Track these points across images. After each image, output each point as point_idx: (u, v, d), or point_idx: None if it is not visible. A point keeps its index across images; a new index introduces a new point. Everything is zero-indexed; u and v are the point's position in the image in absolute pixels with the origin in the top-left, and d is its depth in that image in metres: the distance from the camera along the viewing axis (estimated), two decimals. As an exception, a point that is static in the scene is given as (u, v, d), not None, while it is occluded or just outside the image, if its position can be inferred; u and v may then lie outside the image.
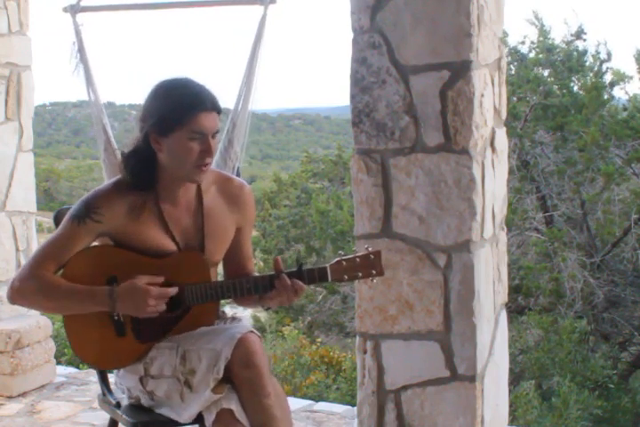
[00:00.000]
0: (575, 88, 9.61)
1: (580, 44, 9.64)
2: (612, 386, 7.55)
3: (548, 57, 9.61)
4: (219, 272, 2.55)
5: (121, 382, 2.43)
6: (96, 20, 4.34)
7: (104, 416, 2.76)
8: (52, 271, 2.23)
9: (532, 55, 9.82)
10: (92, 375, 4.24)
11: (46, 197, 27.24)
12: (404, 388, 2.58)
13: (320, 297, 10.29)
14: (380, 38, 2.50)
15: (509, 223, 8.02)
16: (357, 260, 2.28)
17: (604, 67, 9.53)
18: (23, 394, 3.96)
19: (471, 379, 2.51)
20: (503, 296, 2.91)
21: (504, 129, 2.88)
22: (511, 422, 5.69)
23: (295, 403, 3.82)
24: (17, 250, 4.14)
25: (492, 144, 2.66)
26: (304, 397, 6.29)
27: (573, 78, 9.58)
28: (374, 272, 2.29)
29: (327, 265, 2.29)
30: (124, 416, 2.36)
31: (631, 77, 9.42)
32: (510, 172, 4.66)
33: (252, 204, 2.48)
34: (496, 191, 2.70)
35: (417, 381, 2.57)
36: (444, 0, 2.41)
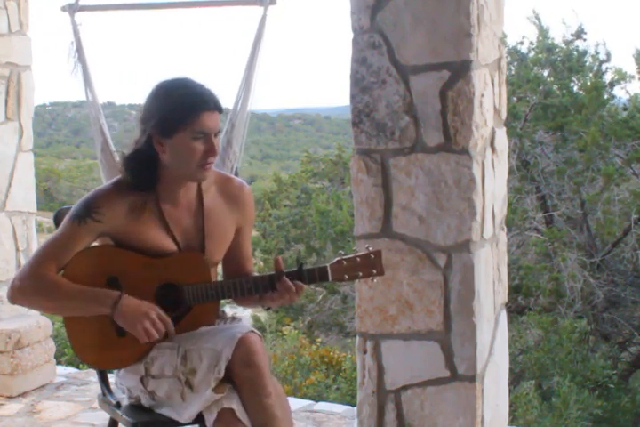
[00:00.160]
0: (575, 88, 9.61)
1: (580, 44, 9.65)
2: (612, 386, 7.55)
3: (548, 57, 9.61)
4: (218, 272, 2.56)
5: (121, 383, 2.42)
6: (94, 19, 4.35)
7: (104, 416, 2.75)
8: (53, 271, 2.23)
9: (531, 55, 9.82)
10: (92, 375, 4.24)
11: (46, 197, 27.24)
12: (404, 388, 2.58)
13: (320, 297, 10.30)
14: (379, 38, 2.50)
15: (509, 223, 8.02)
16: (358, 259, 2.29)
17: (604, 67, 9.54)
18: (23, 394, 3.96)
19: (471, 379, 2.51)
20: (503, 296, 2.91)
21: (504, 129, 2.88)
22: (511, 422, 5.70)
23: (295, 403, 3.82)
24: (17, 250, 4.14)
25: (492, 144, 2.66)
26: (304, 397, 6.29)
27: (573, 78, 9.58)
28: (375, 272, 2.30)
29: (328, 265, 2.29)
30: (123, 416, 2.36)
31: (633, 77, 9.42)
32: (510, 172, 4.66)
33: (251, 204, 2.49)
34: (496, 191, 2.70)
35: (417, 381, 2.57)
36: (444, 0, 2.41)
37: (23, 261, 4.13)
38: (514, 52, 9.72)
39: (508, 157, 3.01)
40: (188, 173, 2.27)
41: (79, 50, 4.18)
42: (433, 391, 2.55)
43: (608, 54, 9.50)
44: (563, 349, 7.51)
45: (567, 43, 9.72)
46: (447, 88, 2.44)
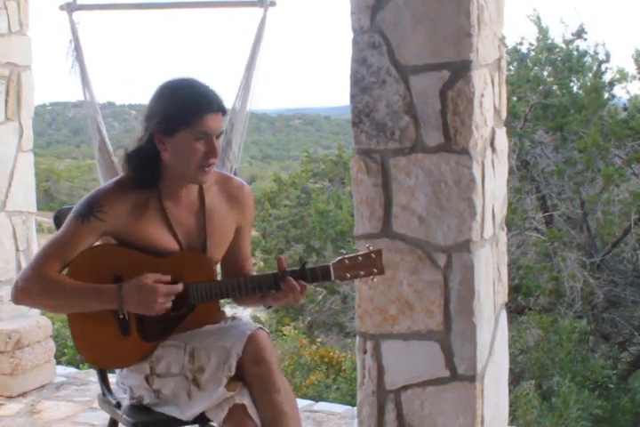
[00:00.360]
0: (575, 88, 9.61)
1: (580, 44, 9.65)
2: (611, 386, 7.55)
3: (548, 56, 9.61)
4: (217, 272, 2.56)
5: (123, 382, 2.42)
6: (93, 18, 4.34)
7: (104, 416, 2.76)
8: (56, 271, 2.23)
9: (531, 55, 9.82)
10: (92, 375, 4.24)
11: (46, 197, 27.24)
12: (404, 388, 2.58)
13: (320, 297, 10.29)
14: (379, 38, 2.50)
15: (509, 223, 8.02)
16: (359, 258, 2.30)
17: (603, 67, 9.53)
18: (23, 394, 3.96)
19: (471, 379, 2.51)
20: (503, 296, 2.91)
21: (504, 129, 2.88)
22: (511, 422, 5.70)
23: (295, 403, 3.82)
24: (17, 250, 4.14)
25: (492, 144, 2.66)
26: (304, 397, 6.29)
27: (573, 78, 9.58)
28: (375, 271, 2.31)
29: (330, 263, 2.31)
30: (124, 416, 2.36)
31: (634, 77, 9.42)
32: (510, 172, 4.66)
33: (251, 204, 2.50)
34: (496, 191, 2.70)
35: (417, 381, 2.57)
36: (444, 0, 2.41)
37: (23, 261, 4.13)
38: (514, 52, 9.72)
39: (508, 157, 3.01)
40: (189, 173, 2.27)
41: (77, 49, 4.18)
42: (433, 391, 2.55)
43: (607, 54, 9.51)
44: (563, 349, 7.51)
45: (567, 42, 9.72)
46: (447, 88, 2.44)
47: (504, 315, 2.93)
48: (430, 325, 2.54)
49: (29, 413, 3.73)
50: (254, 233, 12.39)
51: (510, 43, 9.80)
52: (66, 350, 7.77)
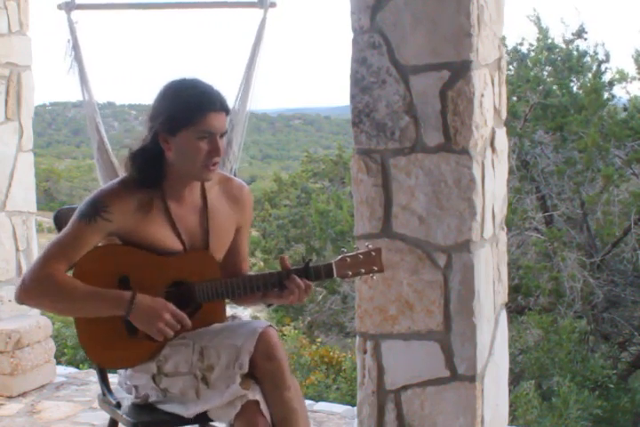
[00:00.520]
0: (575, 88, 9.60)
1: (580, 44, 9.64)
2: (611, 386, 7.55)
3: (548, 56, 9.61)
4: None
5: (127, 382, 2.42)
6: (92, 18, 4.35)
7: (104, 416, 2.75)
8: (62, 271, 2.22)
9: (531, 55, 9.81)
10: (92, 375, 4.24)
11: (46, 197, 27.23)
12: (404, 388, 2.58)
13: (320, 297, 10.29)
14: (379, 38, 2.50)
15: (509, 223, 8.02)
16: (360, 256, 2.34)
17: (603, 67, 9.53)
18: (23, 394, 3.96)
19: (471, 379, 2.51)
20: (503, 296, 2.91)
21: (504, 129, 2.88)
22: (511, 422, 5.70)
23: (295, 403, 3.82)
24: (17, 250, 4.14)
25: (492, 144, 2.66)
26: (304, 397, 6.27)
27: (573, 78, 9.57)
28: (375, 268, 2.36)
29: (333, 262, 2.34)
30: (124, 416, 2.36)
31: (634, 78, 9.42)
32: (510, 172, 4.66)
33: (251, 205, 2.52)
34: (496, 191, 2.70)
35: (417, 381, 2.57)
36: (444, 0, 2.41)
37: (23, 261, 4.13)
38: (514, 52, 9.71)
39: (508, 157, 3.01)
40: (193, 172, 2.28)
41: (75, 48, 4.18)
42: (433, 391, 2.55)
43: (607, 55, 9.50)
44: (562, 349, 7.51)
45: (567, 42, 9.71)
46: (447, 88, 2.44)
47: (504, 315, 2.93)
48: (430, 325, 2.54)
49: (29, 413, 3.73)
50: (254, 233, 12.39)
51: (510, 43, 9.81)
52: (66, 350, 7.76)
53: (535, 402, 6.86)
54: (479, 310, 2.51)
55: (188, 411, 2.27)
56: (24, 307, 4.08)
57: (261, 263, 11.75)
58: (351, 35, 2.54)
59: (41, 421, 3.64)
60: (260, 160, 38.35)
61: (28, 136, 4.21)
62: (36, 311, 4.19)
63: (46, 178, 28.61)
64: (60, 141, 41.27)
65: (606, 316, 8.61)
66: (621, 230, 8.65)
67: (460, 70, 2.42)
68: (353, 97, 2.55)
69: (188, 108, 2.22)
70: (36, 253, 4.22)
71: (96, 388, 3.78)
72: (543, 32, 9.74)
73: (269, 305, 2.48)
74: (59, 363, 4.85)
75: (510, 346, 4.36)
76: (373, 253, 2.35)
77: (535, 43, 9.83)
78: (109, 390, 2.54)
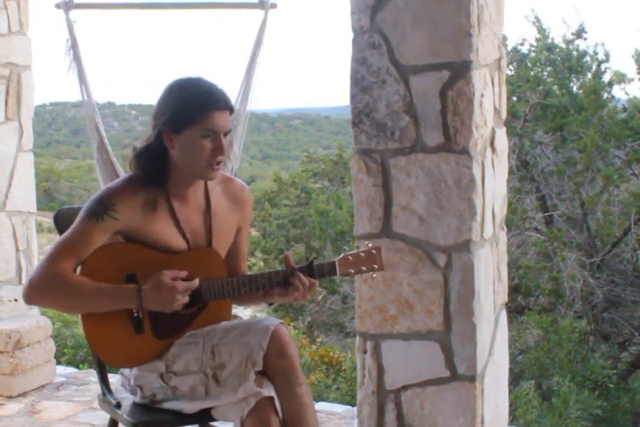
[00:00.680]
0: (574, 88, 9.60)
1: (580, 44, 9.64)
2: (611, 386, 7.54)
3: (548, 56, 9.60)
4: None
5: (131, 382, 2.42)
6: (91, 17, 4.35)
7: (104, 416, 2.76)
8: (70, 270, 2.22)
9: (531, 55, 9.81)
10: (92, 375, 4.24)
11: (46, 197, 27.23)
12: (404, 388, 2.58)
13: (320, 297, 10.29)
14: (379, 38, 2.50)
15: (509, 223, 8.01)
16: (362, 255, 2.38)
17: (603, 67, 9.52)
18: (23, 394, 3.96)
19: (471, 379, 2.51)
20: (503, 296, 2.91)
21: (504, 129, 2.88)
22: (511, 422, 5.69)
23: (295, 403, 3.81)
24: (17, 250, 4.14)
25: (492, 144, 2.66)
26: (304, 397, 6.27)
27: (573, 78, 9.57)
28: (376, 267, 2.40)
29: (336, 260, 2.37)
30: (124, 416, 2.36)
31: (632, 79, 9.42)
32: (510, 172, 4.66)
33: (251, 205, 2.55)
34: (496, 191, 2.70)
35: (417, 381, 2.57)
36: (444, 0, 2.41)
37: (23, 261, 4.13)
38: (514, 52, 9.71)
39: (508, 157, 3.01)
40: (197, 171, 2.29)
41: (74, 48, 4.18)
42: (433, 391, 2.55)
43: (607, 55, 9.49)
44: (562, 349, 7.50)
45: (567, 42, 9.71)
46: (447, 88, 2.44)
47: (504, 315, 2.93)
48: (430, 325, 2.54)
49: (29, 413, 3.73)
50: (254, 233, 12.39)
51: (511, 43, 9.80)
52: (66, 350, 7.76)
53: (535, 402, 6.86)
54: (479, 310, 2.51)
55: (194, 407, 2.28)
56: (24, 307, 4.09)
57: (261, 263, 11.75)
58: (351, 35, 2.54)
59: (41, 421, 3.64)
60: (260, 160, 38.35)
61: (27, 136, 4.22)
62: (35, 311, 4.19)
63: (46, 178, 28.62)
64: (60, 141, 41.27)
65: (606, 316, 8.60)
66: (621, 230, 8.65)
67: (460, 70, 2.42)
68: (353, 97, 2.55)
69: (192, 106, 2.24)
70: (36, 254, 4.22)
71: (96, 388, 3.78)
72: (542, 32, 9.73)
73: (271, 304, 2.50)
74: (59, 363, 4.85)
75: (510, 346, 4.36)
76: (374, 252, 2.39)
77: (535, 43, 9.83)
78: (109, 390, 2.54)
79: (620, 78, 9.42)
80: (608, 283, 8.49)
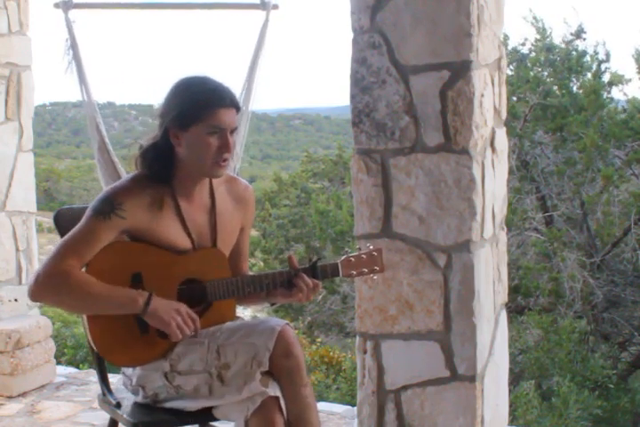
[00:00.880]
0: (574, 88, 9.59)
1: (579, 44, 9.63)
2: (611, 386, 7.54)
3: (548, 57, 9.60)
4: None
5: (133, 382, 2.41)
6: (91, 17, 4.35)
7: (104, 416, 2.75)
8: (77, 268, 2.21)
9: (531, 55, 9.80)
10: (91, 375, 4.24)
11: (46, 197, 27.23)
12: (404, 388, 2.58)
13: (320, 297, 10.29)
14: (379, 38, 2.50)
15: (509, 223, 8.01)
16: (363, 256, 2.39)
17: (603, 67, 9.52)
18: (23, 394, 3.96)
19: (471, 379, 2.51)
20: (503, 296, 2.91)
21: (504, 129, 2.88)
22: (511, 422, 5.69)
23: (295, 403, 3.81)
24: (17, 250, 4.14)
25: (492, 144, 2.66)
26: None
27: (572, 78, 9.57)
28: (377, 268, 2.41)
29: (338, 261, 2.38)
30: (124, 416, 2.36)
31: (629, 80, 9.41)
32: (510, 172, 4.65)
33: (254, 204, 2.56)
34: (496, 191, 2.70)
35: (417, 381, 2.57)
36: (444, 0, 2.41)
37: (23, 261, 4.13)
38: (513, 53, 9.71)
39: (508, 157, 3.01)
40: (204, 168, 2.30)
41: (73, 48, 4.17)
42: (433, 391, 2.55)
43: (607, 54, 9.49)
44: (562, 349, 7.50)
45: (567, 42, 9.70)
46: (447, 88, 2.44)
47: (504, 315, 2.93)
48: (430, 325, 2.54)
49: (29, 413, 3.73)
50: (254, 233, 12.39)
51: (511, 43, 9.80)
52: (66, 350, 7.75)
53: (535, 402, 6.85)
54: (479, 310, 2.51)
55: (196, 404, 2.28)
56: (24, 307, 4.09)
57: (261, 263, 11.75)
58: (351, 35, 2.54)
59: (41, 421, 3.64)
60: (260, 160, 38.37)
61: (27, 136, 4.22)
62: (35, 311, 4.19)
63: (46, 178, 28.62)
64: (60, 141, 41.28)
65: (606, 316, 8.60)
66: (621, 231, 8.64)
67: (460, 70, 2.43)
68: (353, 97, 2.55)
69: (198, 103, 2.24)
70: (36, 254, 4.22)
71: (96, 388, 3.77)
72: (542, 32, 9.73)
73: (272, 304, 2.51)
74: (59, 363, 4.85)
75: (510, 346, 4.36)
76: (375, 254, 2.40)
77: (535, 43, 9.82)
78: (109, 390, 2.54)
79: (619, 80, 9.42)
80: (608, 283, 8.48)
